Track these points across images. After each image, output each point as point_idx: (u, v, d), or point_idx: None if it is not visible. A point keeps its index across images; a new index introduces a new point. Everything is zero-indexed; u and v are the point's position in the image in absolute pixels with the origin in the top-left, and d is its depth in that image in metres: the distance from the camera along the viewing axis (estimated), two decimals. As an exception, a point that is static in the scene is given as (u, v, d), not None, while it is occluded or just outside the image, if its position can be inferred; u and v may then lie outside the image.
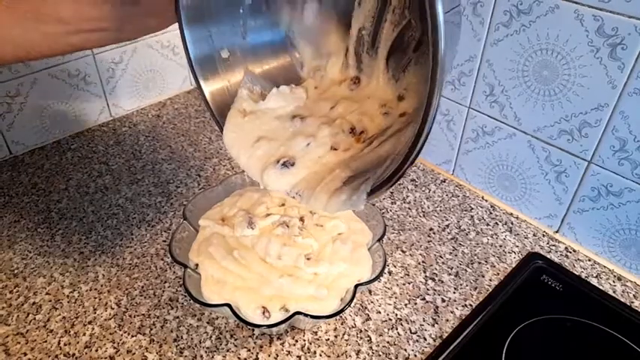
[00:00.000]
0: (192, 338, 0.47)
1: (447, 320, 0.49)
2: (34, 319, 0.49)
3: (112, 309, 0.49)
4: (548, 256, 0.56)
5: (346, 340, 0.47)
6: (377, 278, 0.45)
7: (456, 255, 0.56)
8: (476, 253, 0.57)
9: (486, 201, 0.64)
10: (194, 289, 0.43)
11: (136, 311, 0.49)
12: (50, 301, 0.50)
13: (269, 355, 0.46)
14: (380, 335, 0.47)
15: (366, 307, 0.50)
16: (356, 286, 0.43)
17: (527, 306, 0.50)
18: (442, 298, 0.51)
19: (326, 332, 0.48)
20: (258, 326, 0.42)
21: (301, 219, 0.50)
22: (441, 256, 0.56)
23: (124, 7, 0.36)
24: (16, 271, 0.53)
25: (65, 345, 0.46)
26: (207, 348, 0.46)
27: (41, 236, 0.58)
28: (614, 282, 0.54)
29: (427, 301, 0.51)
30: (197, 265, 0.47)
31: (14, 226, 0.59)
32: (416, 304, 0.51)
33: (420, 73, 0.41)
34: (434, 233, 0.59)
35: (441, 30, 0.27)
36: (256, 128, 0.43)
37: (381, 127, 0.43)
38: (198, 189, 0.65)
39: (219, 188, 0.54)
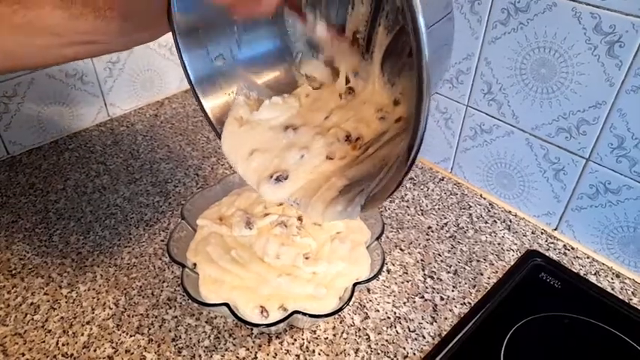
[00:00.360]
0: (190, 338, 0.47)
1: (446, 318, 0.49)
2: (32, 319, 0.48)
3: (111, 309, 0.49)
4: (547, 254, 0.56)
5: (345, 339, 0.47)
6: (375, 277, 0.45)
7: (454, 253, 0.56)
8: (474, 251, 0.57)
9: (485, 199, 0.64)
10: (192, 289, 0.43)
11: (134, 311, 0.49)
12: (48, 301, 0.50)
13: (268, 354, 0.45)
14: (379, 334, 0.47)
15: (364, 306, 0.50)
16: (354, 285, 0.43)
17: (525, 304, 0.50)
18: (441, 296, 0.51)
19: (325, 331, 0.48)
20: (257, 325, 0.42)
21: (299, 218, 0.50)
22: (439, 254, 0.56)
23: (114, 21, 0.36)
24: (13, 272, 0.53)
25: (63, 345, 0.46)
26: (206, 347, 0.46)
27: (39, 236, 0.58)
28: (612, 279, 0.54)
29: (426, 300, 0.51)
30: (195, 264, 0.47)
31: (12, 226, 0.59)
32: (414, 302, 0.51)
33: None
34: (432, 231, 0.59)
35: (425, 49, 0.26)
36: (251, 139, 0.43)
37: (378, 132, 0.43)
38: (196, 188, 0.65)
39: (217, 187, 0.54)
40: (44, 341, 0.46)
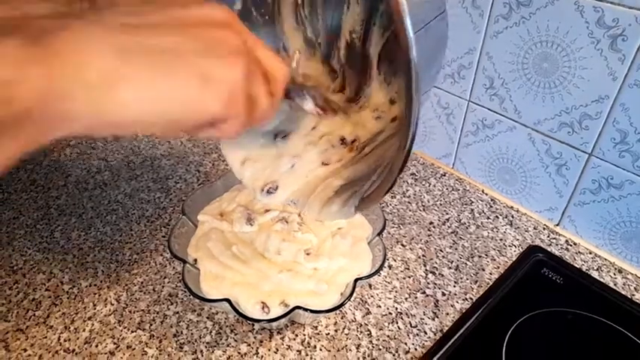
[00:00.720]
0: (192, 333, 0.47)
1: (448, 314, 0.49)
2: (34, 315, 0.48)
3: (112, 305, 0.49)
4: (549, 249, 0.56)
5: (346, 335, 0.47)
6: (377, 272, 0.45)
7: (456, 249, 0.56)
8: (476, 246, 0.57)
9: (486, 194, 0.64)
10: (193, 285, 0.43)
11: (135, 307, 0.49)
12: (50, 297, 0.50)
13: (269, 350, 0.45)
14: (380, 329, 0.47)
15: (366, 302, 0.50)
16: (356, 280, 0.43)
17: (527, 299, 0.50)
18: (442, 292, 0.51)
19: (326, 327, 0.48)
20: (258, 321, 0.42)
21: (300, 214, 0.50)
22: (441, 250, 0.56)
23: None
24: (15, 268, 0.53)
25: (65, 341, 0.46)
26: (208, 343, 0.46)
27: (40, 233, 0.58)
28: (614, 275, 0.53)
29: (427, 295, 0.51)
30: (196, 260, 0.47)
31: (13, 222, 0.59)
32: (416, 297, 0.51)
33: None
34: (434, 227, 0.59)
35: (413, 54, 0.27)
36: (243, 147, 0.44)
37: (374, 131, 0.43)
38: (197, 184, 0.65)
39: (218, 183, 0.54)
40: (46, 337, 0.46)
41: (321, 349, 0.46)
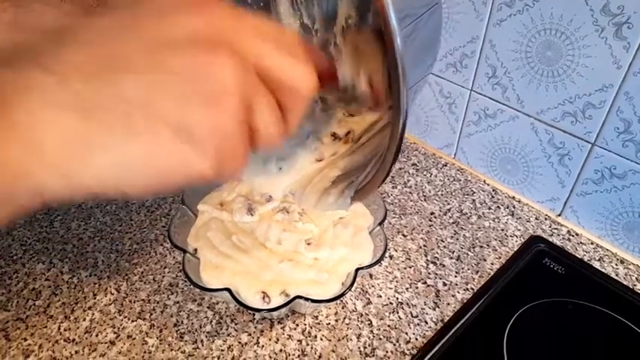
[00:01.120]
0: (192, 323, 0.47)
1: (449, 304, 0.49)
2: (34, 304, 0.48)
3: (112, 294, 0.49)
4: (551, 240, 0.56)
5: (347, 324, 0.47)
6: (378, 262, 0.45)
7: (457, 239, 0.56)
8: (477, 236, 0.56)
9: (488, 185, 0.64)
10: (194, 274, 0.43)
11: (135, 296, 0.49)
12: (50, 287, 0.50)
13: (270, 340, 0.45)
14: (381, 319, 0.47)
15: (366, 292, 0.50)
16: (356, 270, 0.43)
17: (529, 289, 0.50)
18: (443, 282, 0.51)
19: (327, 316, 0.47)
20: (259, 310, 0.42)
21: None
22: (442, 240, 0.56)
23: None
24: (15, 258, 0.53)
25: (65, 330, 0.46)
26: (208, 333, 0.46)
27: (40, 222, 0.58)
28: (616, 265, 0.53)
29: (428, 285, 0.51)
30: (196, 250, 0.46)
31: (13, 212, 0.59)
32: (417, 288, 0.50)
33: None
34: (435, 217, 0.59)
35: (398, 49, 0.25)
36: None
37: (370, 120, 0.42)
38: (197, 174, 0.65)
39: (219, 173, 0.54)
40: (46, 326, 0.46)
41: (321, 339, 0.46)
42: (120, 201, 0.60)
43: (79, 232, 0.56)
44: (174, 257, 0.53)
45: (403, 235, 0.56)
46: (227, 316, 0.47)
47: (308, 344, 0.45)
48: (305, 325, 0.47)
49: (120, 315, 0.47)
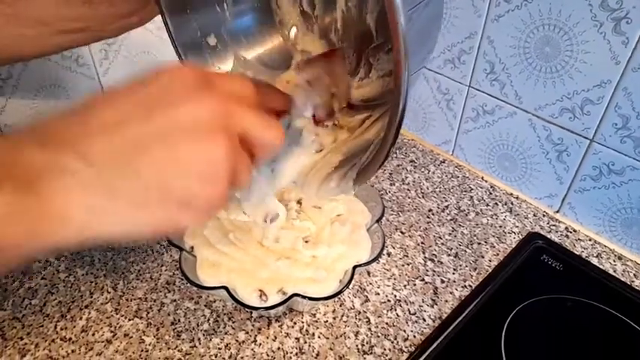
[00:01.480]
0: (189, 321, 0.47)
1: (447, 301, 0.49)
2: (30, 303, 0.48)
3: (109, 293, 0.49)
4: (549, 236, 0.56)
5: (345, 322, 0.47)
6: (375, 259, 0.44)
7: (455, 236, 0.56)
8: (475, 233, 0.56)
9: (486, 181, 0.64)
10: (190, 272, 0.43)
11: (132, 295, 0.49)
12: (46, 285, 0.50)
13: (267, 338, 0.45)
14: (379, 316, 0.47)
15: (364, 289, 0.50)
16: (354, 268, 0.43)
17: (527, 286, 0.50)
18: (441, 279, 0.51)
19: (324, 314, 0.47)
20: (256, 308, 0.42)
21: (299, 202, 0.50)
22: (440, 237, 0.56)
23: (100, 8, 0.37)
24: (11, 256, 0.53)
25: (62, 329, 0.46)
26: (205, 331, 0.46)
27: (36, 221, 0.57)
28: (614, 261, 0.53)
29: (426, 282, 0.51)
30: (192, 247, 0.46)
31: (8, 210, 0.59)
32: (415, 285, 0.50)
33: None
34: (433, 214, 0.59)
35: (402, 32, 0.26)
36: None
37: (374, 102, 0.42)
38: (194, 172, 0.64)
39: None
40: (42, 325, 0.46)
41: (319, 337, 0.45)
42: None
43: (76, 231, 0.56)
44: (171, 255, 0.53)
45: (401, 232, 0.56)
46: (224, 314, 0.47)
47: (306, 342, 0.45)
48: (303, 322, 0.47)
49: (117, 314, 0.47)
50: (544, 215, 0.59)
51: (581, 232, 0.57)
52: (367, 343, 0.45)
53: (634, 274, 0.52)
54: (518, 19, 0.52)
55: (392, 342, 0.45)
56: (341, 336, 0.45)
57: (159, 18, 0.39)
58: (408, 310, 0.48)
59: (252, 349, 0.44)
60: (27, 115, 0.71)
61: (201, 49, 0.43)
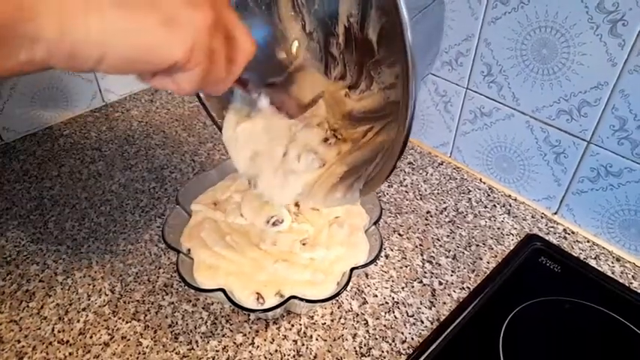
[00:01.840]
0: (187, 324, 0.46)
1: (445, 303, 0.49)
2: (28, 306, 0.48)
3: (106, 295, 0.49)
4: (547, 238, 0.56)
5: (343, 324, 0.47)
6: (373, 261, 0.44)
7: (453, 238, 0.56)
8: (473, 235, 0.56)
9: (484, 183, 0.64)
10: (188, 275, 0.43)
11: (130, 297, 0.49)
12: (44, 288, 0.50)
13: (265, 340, 0.45)
14: (377, 319, 0.47)
15: (362, 291, 0.50)
16: (352, 270, 0.43)
17: (525, 288, 0.50)
18: (439, 281, 0.51)
19: (322, 316, 0.47)
20: (254, 311, 0.42)
21: (296, 204, 0.49)
22: (438, 239, 0.56)
23: None
24: (8, 259, 0.53)
25: (59, 332, 0.46)
26: (203, 333, 0.46)
27: (34, 223, 0.57)
28: (612, 263, 0.53)
29: (424, 284, 0.51)
30: (189, 250, 0.46)
31: (6, 213, 0.59)
32: (413, 287, 0.50)
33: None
34: (431, 216, 0.59)
35: (408, 38, 0.26)
36: (246, 145, 0.44)
37: (376, 114, 0.43)
38: (192, 174, 0.64)
39: (213, 172, 0.53)
40: (40, 328, 0.46)
41: (317, 339, 0.45)
42: (114, 201, 0.60)
43: (73, 233, 0.56)
44: (168, 258, 0.53)
45: (399, 235, 0.56)
46: (222, 316, 0.47)
47: (303, 344, 0.45)
48: (300, 325, 0.46)
49: (114, 316, 0.47)
50: (542, 217, 0.59)
51: (580, 233, 0.57)
52: (365, 345, 0.45)
53: (632, 276, 0.52)
54: (515, 21, 0.52)
55: (390, 344, 0.45)
56: (339, 338, 0.45)
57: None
58: (406, 312, 0.48)
59: (249, 352, 0.44)
60: (25, 118, 0.71)
61: None
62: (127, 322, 0.46)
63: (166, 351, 0.44)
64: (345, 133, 0.45)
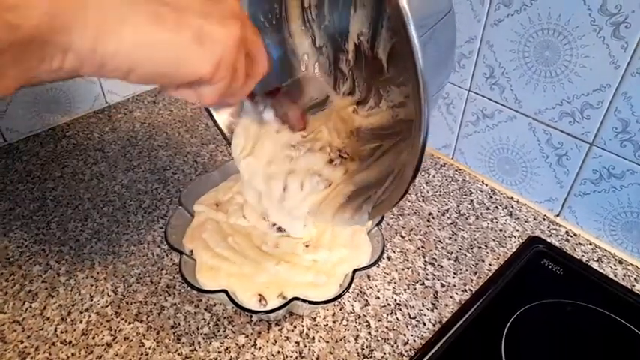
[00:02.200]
0: (189, 325, 0.46)
1: (447, 305, 0.49)
2: (31, 306, 0.48)
3: (109, 296, 0.49)
4: (549, 240, 0.55)
5: (345, 326, 0.47)
6: (375, 263, 0.44)
7: (455, 240, 0.56)
8: (476, 237, 0.56)
9: (486, 185, 0.64)
10: (190, 276, 0.43)
11: (132, 298, 0.49)
12: (46, 288, 0.50)
13: (267, 341, 0.45)
14: (379, 320, 0.47)
15: (364, 293, 0.50)
16: (354, 271, 0.43)
17: (527, 290, 0.49)
18: (441, 283, 0.51)
19: (324, 318, 0.47)
20: (256, 312, 0.42)
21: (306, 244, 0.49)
22: (440, 241, 0.56)
23: None
24: (11, 259, 0.53)
25: (62, 332, 0.46)
26: (205, 334, 0.46)
27: (37, 224, 0.57)
28: (614, 265, 0.53)
29: (426, 286, 0.51)
30: (192, 251, 0.46)
31: (9, 214, 0.59)
32: (415, 289, 0.50)
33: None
34: (433, 218, 0.59)
35: (419, 61, 0.26)
36: (250, 184, 0.45)
37: (385, 132, 0.43)
38: (195, 175, 0.65)
39: (216, 174, 0.53)
40: (42, 328, 0.46)
41: (319, 340, 0.45)
42: (117, 202, 0.60)
43: (76, 234, 0.56)
44: (171, 259, 0.53)
45: (401, 236, 0.56)
46: (224, 317, 0.47)
47: (305, 346, 0.45)
48: (302, 326, 0.46)
49: (117, 317, 0.47)
50: (544, 219, 0.59)
51: (582, 236, 0.57)
52: (367, 347, 0.45)
53: (634, 278, 0.52)
54: (517, 23, 0.52)
55: (392, 346, 0.45)
56: (341, 340, 0.45)
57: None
58: (408, 314, 0.48)
59: (252, 353, 0.44)
60: (28, 119, 0.71)
61: None
62: (129, 323, 0.47)
63: (169, 352, 0.44)
64: (352, 151, 0.45)
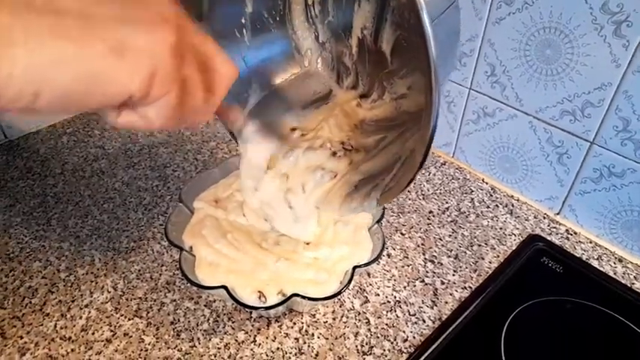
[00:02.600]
0: (189, 321, 0.47)
1: (446, 302, 0.49)
2: (30, 302, 0.48)
3: (109, 292, 0.49)
4: (549, 239, 0.55)
5: (344, 323, 0.47)
6: (375, 260, 0.44)
7: (455, 237, 0.56)
8: (476, 235, 0.56)
9: (487, 183, 0.64)
10: (190, 272, 0.43)
11: (132, 294, 0.49)
12: (46, 284, 0.50)
13: (267, 338, 0.45)
14: (378, 317, 0.47)
15: (364, 290, 0.50)
16: (354, 268, 0.43)
17: (527, 288, 0.50)
18: (441, 281, 0.51)
19: (324, 315, 0.47)
20: (256, 308, 0.42)
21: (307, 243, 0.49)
22: (440, 239, 0.56)
23: None
24: (11, 255, 0.53)
25: (61, 328, 0.46)
26: (205, 331, 0.46)
27: (37, 220, 0.57)
28: (615, 264, 0.53)
29: (426, 284, 0.51)
30: (191, 247, 0.46)
31: (9, 210, 0.59)
32: (415, 286, 0.50)
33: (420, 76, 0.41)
34: (433, 216, 0.59)
35: (431, 46, 0.26)
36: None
37: (389, 123, 0.43)
38: (195, 172, 0.65)
39: (216, 170, 0.53)
40: (42, 324, 0.46)
41: (319, 337, 0.45)
42: (117, 199, 0.60)
43: (76, 230, 0.56)
44: (171, 255, 0.53)
45: (401, 234, 0.56)
46: (224, 314, 0.47)
47: (305, 342, 0.45)
48: (302, 323, 0.47)
49: (116, 313, 0.47)
50: (544, 217, 0.59)
51: (582, 234, 0.57)
52: (367, 343, 0.45)
53: (634, 277, 0.52)
54: (519, 21, 0.52)
55: (391, 343, 0.45)
56: (340, 336, 0.45)
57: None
58: (408, 311, 0.48)
59: (251, 349, 0.44)
60: (28, 116, 0.71)
61: None
62: (129, 319, 0.47)
63: (168, 348, 0.44)
64: (356, 143, 0.45)
